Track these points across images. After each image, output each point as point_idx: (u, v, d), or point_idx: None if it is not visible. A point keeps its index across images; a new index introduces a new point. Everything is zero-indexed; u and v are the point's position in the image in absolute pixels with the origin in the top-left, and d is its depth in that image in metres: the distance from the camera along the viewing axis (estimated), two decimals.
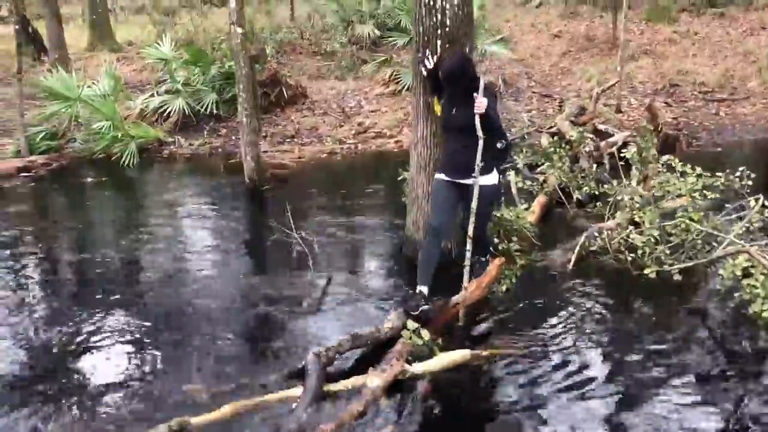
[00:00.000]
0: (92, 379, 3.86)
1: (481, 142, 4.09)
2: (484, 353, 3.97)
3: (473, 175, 4.16)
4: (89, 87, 10.18)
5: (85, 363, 4.06)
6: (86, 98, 9.74)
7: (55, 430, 3.39)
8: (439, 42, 4.88)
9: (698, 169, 5.59)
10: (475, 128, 4.08)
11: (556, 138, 7.89)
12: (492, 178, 4.36)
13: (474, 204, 4.20)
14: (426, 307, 4.12)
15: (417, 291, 4.23)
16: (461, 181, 4.38)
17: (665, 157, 5.84)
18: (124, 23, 18.96)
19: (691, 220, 5.14)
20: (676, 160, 5.72)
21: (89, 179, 8.79)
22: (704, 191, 5.44)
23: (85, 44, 15.93)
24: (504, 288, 4.86)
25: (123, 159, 9.17)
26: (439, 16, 4.83)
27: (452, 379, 3.78)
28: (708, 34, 14.67)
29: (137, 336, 4.36)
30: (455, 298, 4.42)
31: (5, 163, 8.99)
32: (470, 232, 4.28)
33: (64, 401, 3.63)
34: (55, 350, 4.21)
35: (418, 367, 3.78)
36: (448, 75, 4.24)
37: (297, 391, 3.53)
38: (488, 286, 4.68)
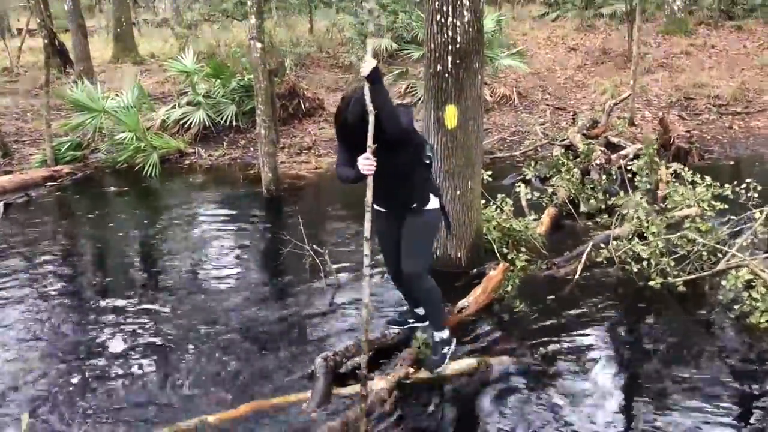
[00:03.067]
0: (113, 379, 4.05)
1: (416, 175, 3.61)
2: (491, 361, 4.09)
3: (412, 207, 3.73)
4: (113, 99, 10.47)
5: (106, 363, 4.24)
6: (110, 109, 10.01)
7: (78, 427, 3.57)
8: (450, 58, 5.05)
9: (708, 179, 5.68)
10: (397, 169, 3.50)
11: (566, 150, 8.01)
12: (433, 203, 3.80)
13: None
14: (416, 324, 4.25)
15: (437, 339, 3.97)
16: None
17: (675, 165, 5.92)
18: (147, 36, 19.36)
19: (699, 231, 5.24)
20: (686, 169, 5.81)
21: (112, 188, 9.05)
22: (713, 202, 5.53)
23: (109, 56, 16.32)
24: (509, 288, 4.97)
25: (145, 169, 9.42)
26: (450, 33, 5.00)
27: (457, 387, 3.92)
28: (725, 47, 14.71)
29: (156, 338, 4.55)
30: (461, 303, 4.56)
31: (32, 173, 9.28)
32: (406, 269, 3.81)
33: (86, 400, 3.82)
34: (77, 348, 4.42)
35: (424, 373, 3.91)
36: (354, 125, 3.44)
37: (308, 393, 3.70)
38: (493, 291, 4.80)
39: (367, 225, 3.23)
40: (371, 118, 3.20)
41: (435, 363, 3.88)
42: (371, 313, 3.37)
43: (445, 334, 3.94)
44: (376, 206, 3.71)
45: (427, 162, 3.70)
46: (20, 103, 13.04)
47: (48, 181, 9.11)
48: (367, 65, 3.22)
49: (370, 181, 3.28)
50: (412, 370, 3.88)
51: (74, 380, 4.03)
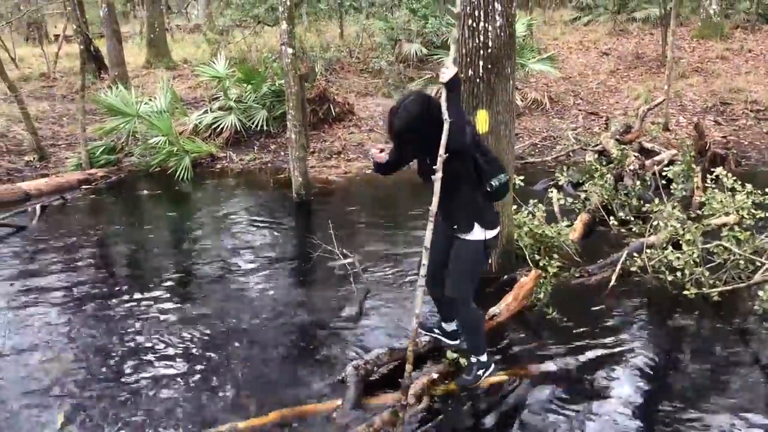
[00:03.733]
0: (145, 382, 4.08)
1: (438, 185, 3.23)
2: (522, 372, 4.05)
3: (454, 228, 3.57)
4: (146, 103, 10.62)
5: (137, 366, 4.29)
6: (144, 114, 10.15)
7: (110, 428, 3.61)
8: (481, 63, 5.01)
9: (749, 186, 5.56)
10: (455, 182, 3.37)
11: (599, 156, 7.90)
12: (475, 234, 3.57)
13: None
14: (438, 336, 4.11)
15: (474, 360, 3.85)
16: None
17: (719, 170, 5.79)
18: (180, 42, 19.63)
19: (737, 239, 5.12)
20: (729, 175, 5.67)
21: (145, 192, 9.17)
22: (752, 210, 5.41)
23: (142, 62, 16.58)
24: (541, 296, 4.90)
25: (177, 173, 9.53)
26: (481, 38, 4.96)
27: (487, 395, 3.88)
28: (762, 52, 14.42)
29: (186, 343, 4.59)
30: (492, 310, 4.51)
31: (67, 176, 9.45)
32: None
33: (119, 402, 3.86)
34: (111, 350, 4.47)
35: (452, 386, 3.88)
36: (399, 133, 3.37)
37: (337, 401, 3.70)
38: (525, 298, 4.74)
39: (428, 234, 3.20)
40: (446, 126, 3.13)
41: (467, 382, 3.80)
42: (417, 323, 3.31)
43: (483, 357, 3.83)
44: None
45: (488, 189, 3.51)
46: (57, 107, 13.31)
47: (83, 184, 9.26)
48: (448, 72, 3.18)
49: (437, 188, 3.18)
50: (436, 376, 3.84)
51: (107, 382, 4.08)
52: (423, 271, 3.23)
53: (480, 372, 3.79)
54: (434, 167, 3.18)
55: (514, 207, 5.66)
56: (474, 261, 3.64)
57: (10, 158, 10.46)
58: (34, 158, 10.43)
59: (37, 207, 7.99)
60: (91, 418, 3.69)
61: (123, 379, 4.11)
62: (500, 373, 4.00)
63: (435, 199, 3.18)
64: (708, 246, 5.17)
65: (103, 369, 4.25)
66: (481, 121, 5.11)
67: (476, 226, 3.53)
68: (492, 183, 3.50)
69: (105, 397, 3.91)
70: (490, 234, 3.59)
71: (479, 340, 3.82)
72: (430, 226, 3.20)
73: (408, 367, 3.28)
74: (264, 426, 3.54)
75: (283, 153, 10.40)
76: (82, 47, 10.69)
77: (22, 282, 5.75)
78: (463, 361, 3.95)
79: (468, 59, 5.06)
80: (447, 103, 3.16)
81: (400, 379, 3.39)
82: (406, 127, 3.30)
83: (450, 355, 4.03)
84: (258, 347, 4.49)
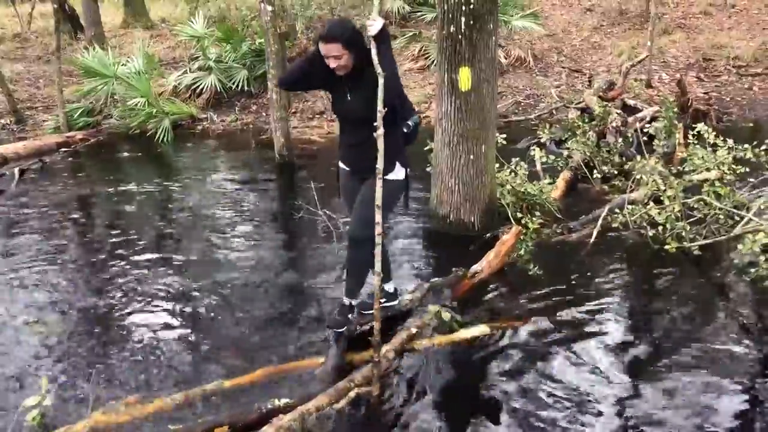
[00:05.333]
0: (130, 343, 4.09)
1: (381, 141, 3.10)
2: (503, 326, 4.10)
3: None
4: (124, 64, 10.43)
5: (124, 325, 4.29)
6: (122, 75, 9.98)
7: (95, 389, 3.62)
8: (463, 19, 4.96)
9: (730, 142, 5.58)
10: (371, 131, 3.18)
11: (582, 113, 7.89)
12: (397, 174, 3.56)
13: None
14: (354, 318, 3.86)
15: (346, 303, 3.83)
16: (360, 174, 3.70)
17: (700, 126, 5.80)
18: (158, 1, 19.19)
19: (717, 194, 5.17)
20: (710, 130, 5.69)
21: (125, 154, 9.06)
22: (733, 165, 5.44)
23: (119, 22, 16.21)
24: (522, 252, 4.93)
25: (157, 135, 9.42)
26: None
27: (469, 351, 3.93)
28: (745, 7, 14.33)
29: (169, 303, 4.59)
30: (474, 268, 4.55)
31: (45, 139, 9.31)
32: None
33: (104, 363, 3.87)
34: (96, 311, 4.47)
35: (436, 339, 3.92)
36: (347, 38, 3.24)
37: (321, 359, 3.74)
38: (507, 255, 4.77)
39: (379, 192, 3.14)
40: (380, 81, 3.03)
41: (336, 323, 3.83)
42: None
43: (354, 302, 3.89)
44: (341, 164, 3.77)
45: (405, 131, 3.55)
46: (32, 69, 13.04)
47: (61, 147, 9.13)
48: (376, 24, 3.07)
49: (380, 145, 3.09)
50: (414, 331, 3.87)
51: (92, 343, 4.08)
52: (378, 229, 3.18)
53: (350, 316, 3.85)
54: (375, 124, 3.09)
55: (497, 165, 5.67)
56: (392, 200, 3.65)
57: None
58: (10, 121, 10.27)
59: (16, 171, 7.88)
60: (75, 381, 3.70)
61: (107, 340, 4.12)
62: (481, 326, 4.05)
63: (380, 156, 3.10)
64: (689, 201, 5.21)
65: (87, 330, 4.25)
66: (463, 78, 5.08)
67: (397, 164, 3.53)
68: (408, 123, 3.54)
69: (89, 358, 3.91)
70: (406, 172, 3.61)
71: (359, 285, 3.85)
72: (379, 183, 3.13)
73: (376, 325, 3.29)
74: (250, 384, 3.57)
75: (264, 114, 10.30)
76: (56, 6, 10.39)
77: (3, 245, 5.70)
78: (445, 315, 3.99)
79: (449, 15, 5.00)
80: (379, 56, 3.04)
81: (369, 338, 3.41)
82: (341, 35, 3.20)
83: (432, 308, 4.06)
84: (243, 307, 4.50)
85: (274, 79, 7.83)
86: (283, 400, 3.29)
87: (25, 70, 12.89)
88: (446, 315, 4.00)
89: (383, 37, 3.08)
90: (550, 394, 3.47)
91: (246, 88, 10.92)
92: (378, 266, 3.24)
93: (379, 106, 3.06)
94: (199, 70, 11.10)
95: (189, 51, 12.49)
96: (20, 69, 12.86)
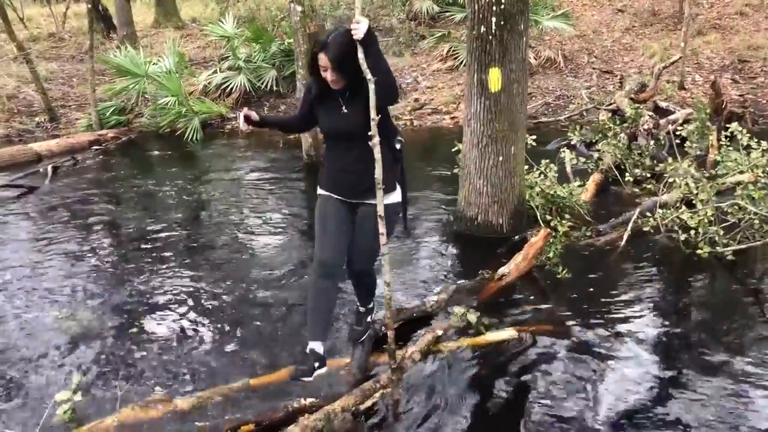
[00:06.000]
0: (157, 339, 4.13)
1: (378, 150, 2.85)
2: (531, 329, 4.05)
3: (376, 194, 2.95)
4: (155, 64, 10.56)
5: (151, 323, 4.33)
6: (153, 74, 10.10)
7: (124, 385, 3.66)
8: (494, 19, 4.92)
9: (764, 144, 5.46)
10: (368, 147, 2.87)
11: (613, 115, 7.78)
12: (395, 196, 3.30)
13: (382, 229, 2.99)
14: (322, 370, 3.26)
15: (308, 350, 3.27)
16: (355, 201, 3.36)
17: (734, 126, 5.68)
18: (189, 1, 19.39)
19: (752, 198, 5.05)
20: (744, 131, 5.57)
21: (155, 152, 9.17)
22: None
23: (151, 21, 16.42)
24: (551, 255, 4.87)
25: (187, 134, 9.52)
26: None
27: (496, 355, 3.89)
28: None
29: (198, 301, 4.62)
30: (502, 270, 4.50)
31: (78, 137, 9.47)
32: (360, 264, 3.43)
33: (133, 359, 3.91)
34: (125, 307, 4.53)
35: (462, 342, 3.89)
36: (338, 60, 2.97)
37: (346, 359, 3.73)
38: (535, 258, 4.72)
39: (380, 205, 2.95)
40: (371, 87, 2.76)
41: (358, 333, 3.76)
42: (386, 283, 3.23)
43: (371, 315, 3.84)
44: (327, 192, 3.41)
45: (398, 147, 3.26)
46: (66, 68, 13.27)
47: (93, 145, 9.29)
48: (362, 25, 2.73)
49: (377, 154, 2.84)
50: (440, 332, 3.84)
51: (121, 339, 4.13)
52: (383, 240, 3.01)
53: (369, 318, 3.80)
54: (369, 133, 2.83)
55: (526, 167, 5.61)
56: (394, 225, 3.43)
57: (21, 119, 10.49)
58: (44, 119, 10.46)
59: (49, 168, 8.03)
60: (104, 376, 3.74)
61: (135, 336, 4.16)
62: (509, 330, 4.00)
63: (378, 166, 2.86)
64: (722, 205, 5.11)
65: (117, 326, 4.29)
66: (494, 79, 5.04)
67: (397, 186, 3.30)
68: (400, 139, 3.29)
69: (119, 354, 3.96)
70: (403, 195, 3.37)
71: (371, 296, 3.79)
72: (380, 194, 2.91)
73: (390, 333, 3.20)
74: (276, 382, 3.58)
75: (293, 113, 10.33)
76: (90, 6, 10.57)
77: (37, 241, 5.81)
78: (471, 317, 3.96)
79: (480, 15, 4.96)
80: (367, 60, 2.76)
81: (384, 346, 3.36)
82: (342, 57, 2.93)
83: (458, 309, 4.03)
84: (270, 305, 4.51)
85: (303, 79, 7.85)
86: (309, 400, 3.30)
87: (59, 68, 13.12)
88: (473, 317, 3.97)
89: (370, 39, 2.78)
90: (577, 401, 3.41)
91: (275, 87, 10.99)
92: (387, 276, 3.09)
93: (372, 114, 2.80)
94: (229, 69, 11.19)
95: (219, 51, 12.61)
96: (54, 68, 13.09)
